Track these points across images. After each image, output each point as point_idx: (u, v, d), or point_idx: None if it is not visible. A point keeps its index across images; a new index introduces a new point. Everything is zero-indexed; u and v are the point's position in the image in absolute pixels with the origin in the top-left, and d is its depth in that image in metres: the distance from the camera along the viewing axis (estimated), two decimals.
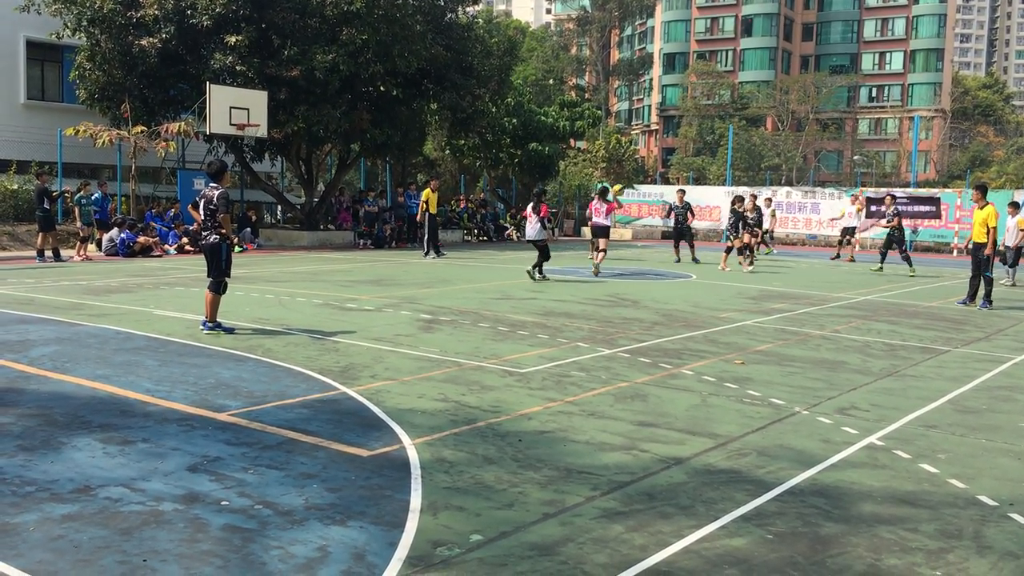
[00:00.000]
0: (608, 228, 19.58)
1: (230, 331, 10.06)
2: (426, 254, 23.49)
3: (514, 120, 35.86)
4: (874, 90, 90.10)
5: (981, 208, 14.47)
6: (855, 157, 72.24)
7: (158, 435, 5.89)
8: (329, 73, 25.18)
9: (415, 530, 4.35)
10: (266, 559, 3.98)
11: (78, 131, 24.60)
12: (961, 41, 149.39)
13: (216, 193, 10.02)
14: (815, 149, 77.29)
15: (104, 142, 24.61)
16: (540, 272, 17.16)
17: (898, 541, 4.41)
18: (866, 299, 15.55)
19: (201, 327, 10.10)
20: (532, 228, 17.60)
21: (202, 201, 10.16)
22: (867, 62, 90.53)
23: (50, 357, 8.47)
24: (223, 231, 10.08)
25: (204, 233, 10.21)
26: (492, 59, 31.54)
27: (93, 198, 22.07)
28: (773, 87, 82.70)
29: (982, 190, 14.86)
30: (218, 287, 10.10)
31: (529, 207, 17.95)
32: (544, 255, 17.28)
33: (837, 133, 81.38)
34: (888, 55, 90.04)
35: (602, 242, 19.19)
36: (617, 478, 5.24)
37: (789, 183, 57.36)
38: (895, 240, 21.09)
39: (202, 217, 10.17)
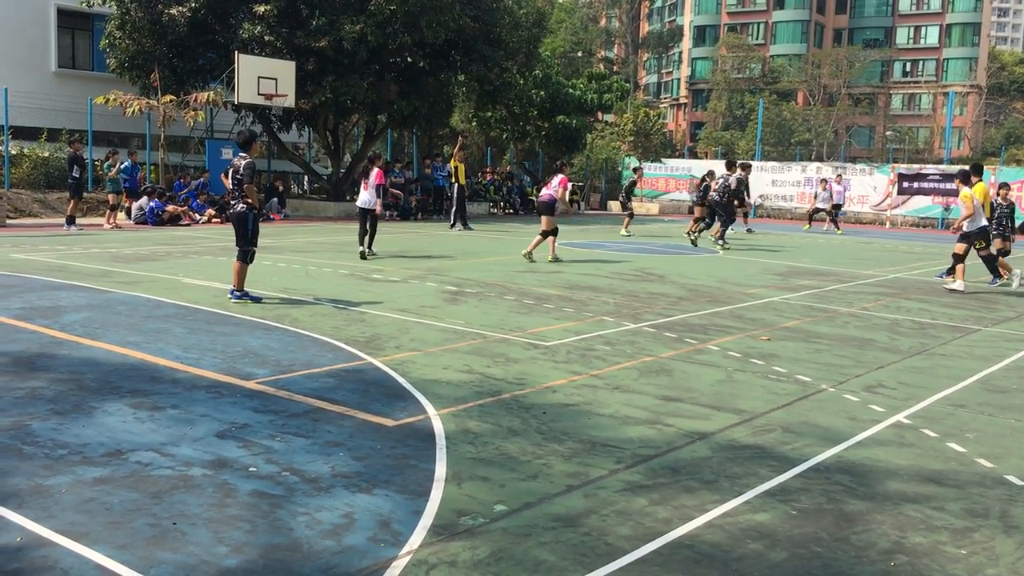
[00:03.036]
0: (551, 204, 15.92)
1: (258, 300, 10.14)
2: (452, 226, 23.48)
3: (542, 92, 35.63)
4: (908, 65, 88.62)
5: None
6: (887, 133, 71.30)
7: (187, 401, 5.96)
8: (357, 43, 25.11)
9: (440, 499, 4.39)
10: (293, 525, 4.03)
11: (108, 100, 24.72)
12: (998, 15, 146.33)
13: (243, 163, 10.11)
14: (847, 124, 76.30)
15: (134, 111, 24.74)
16: (369, 247, 15.29)
17: (924, 519, 4.39)
18: (896, 277, 15.40)
19: (229, 296, 10.19)
20: (364, 194, 15.20)
21: (231, 170, 10.27)
22: (902, 36, 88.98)
23: (81, 323, 8.58)
24: (249, 200, 10.15)
25: (232, 202, 10.31)
26: (521, 31, 31.30)
27: (123, 167, 22.23)
28: (805, 61, 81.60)
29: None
30: (245, 256, 10.18)
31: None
32: (372, 227, 15.29)
33: (869, 108, 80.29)
34: (923, 29, 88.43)
35: (544, 221, 15.81)
36: (641, 452, 5.25)
37: (819, 159, 56.71)
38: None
39: (230, 186, 10.29)
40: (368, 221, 15.24)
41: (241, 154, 10.25)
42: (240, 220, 10.21)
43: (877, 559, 3.92)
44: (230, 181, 10.29)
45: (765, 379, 7.21)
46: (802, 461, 5.19)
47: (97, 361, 7.06)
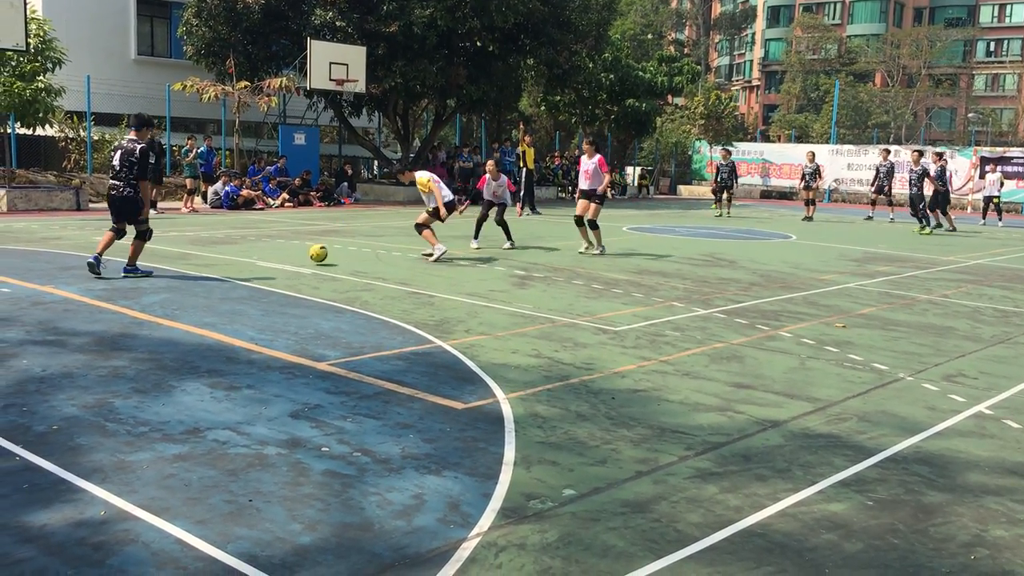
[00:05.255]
0: (593, 191, 14.02)
1: (148, 274, 10.37)
2: (521, 210, 23.48)
3: (611, 76, 35.30)
4: (992, 44, 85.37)
5: None
6: (969, 115, 68.95)
7: (262, 382, 6.09)
8: (427, 28, 25.23)
9: (509, 482, 4.40)
10: (364, 504, 4.08)
11: (185, 86, 25.30)
12: None
13: (138, 147, 10.03)
14: (926, 106, 74.03)
15: (210, 97, 25.27)
16: (475, 236, 14.74)
17: (1006, 512, 4.26)
18: (977, 263, 14.92)
19: (123, 273, 10.38)
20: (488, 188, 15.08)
21: (118, 153, 10.16)
22: (985, 14, 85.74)
23: (160, 305, 8.82)
24: (146, 201, 10.33)
25: (117, 184, 10.21)
26: (590, 13, 31.06)
27: (199, 152, 22.75)
28: (883, 41, 79.28)
29: None
30: (144, 234, 10.38)
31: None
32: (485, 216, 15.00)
33: (951, 89, 77.69)
34: (1008, 7, 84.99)
35: (590, 209, 14.05)
36: (712, 439, 5.19)
37: (898, 141, 55.13)
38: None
39: (116, 169, 10.17)
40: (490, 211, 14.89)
41: (131, 137, 10.09)
42: (127, 203, 10.22)
43: (957, 552, 3.81)
44: (117, 163, 10.10)
45: (840, 367, 7.06)
46: (879, 451, 5.07)
47: (176, 341, 7.25)
